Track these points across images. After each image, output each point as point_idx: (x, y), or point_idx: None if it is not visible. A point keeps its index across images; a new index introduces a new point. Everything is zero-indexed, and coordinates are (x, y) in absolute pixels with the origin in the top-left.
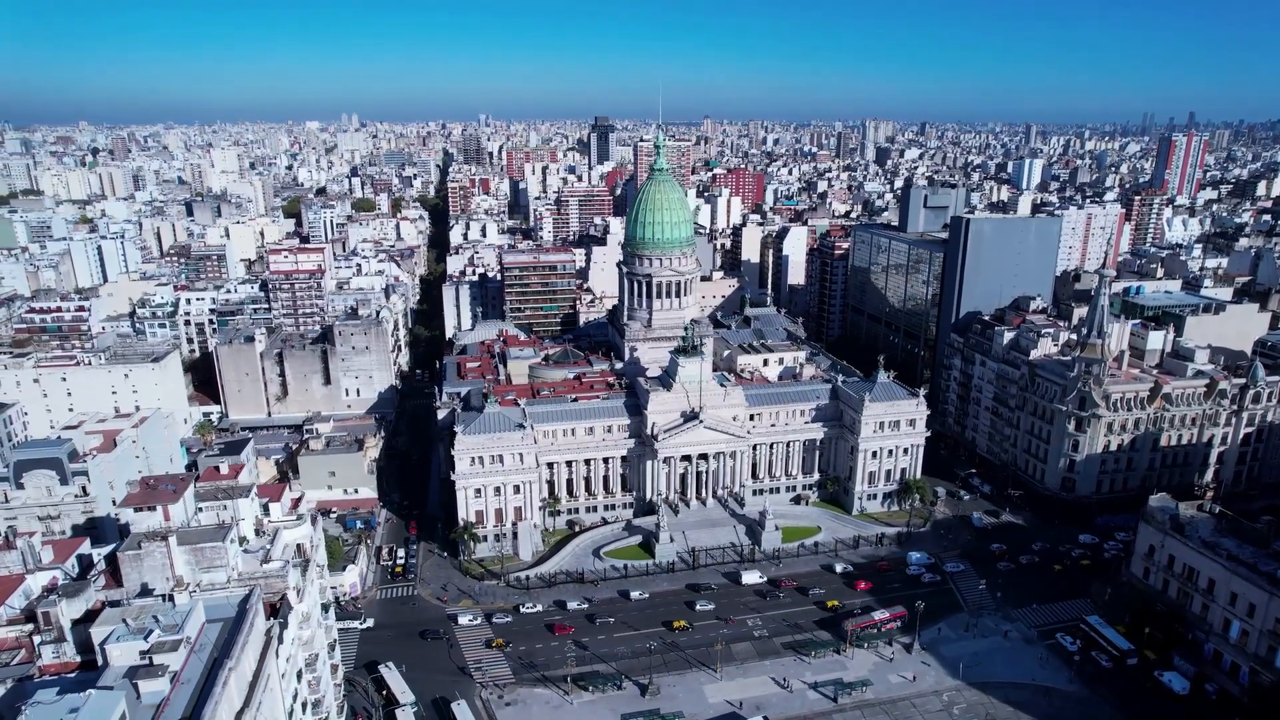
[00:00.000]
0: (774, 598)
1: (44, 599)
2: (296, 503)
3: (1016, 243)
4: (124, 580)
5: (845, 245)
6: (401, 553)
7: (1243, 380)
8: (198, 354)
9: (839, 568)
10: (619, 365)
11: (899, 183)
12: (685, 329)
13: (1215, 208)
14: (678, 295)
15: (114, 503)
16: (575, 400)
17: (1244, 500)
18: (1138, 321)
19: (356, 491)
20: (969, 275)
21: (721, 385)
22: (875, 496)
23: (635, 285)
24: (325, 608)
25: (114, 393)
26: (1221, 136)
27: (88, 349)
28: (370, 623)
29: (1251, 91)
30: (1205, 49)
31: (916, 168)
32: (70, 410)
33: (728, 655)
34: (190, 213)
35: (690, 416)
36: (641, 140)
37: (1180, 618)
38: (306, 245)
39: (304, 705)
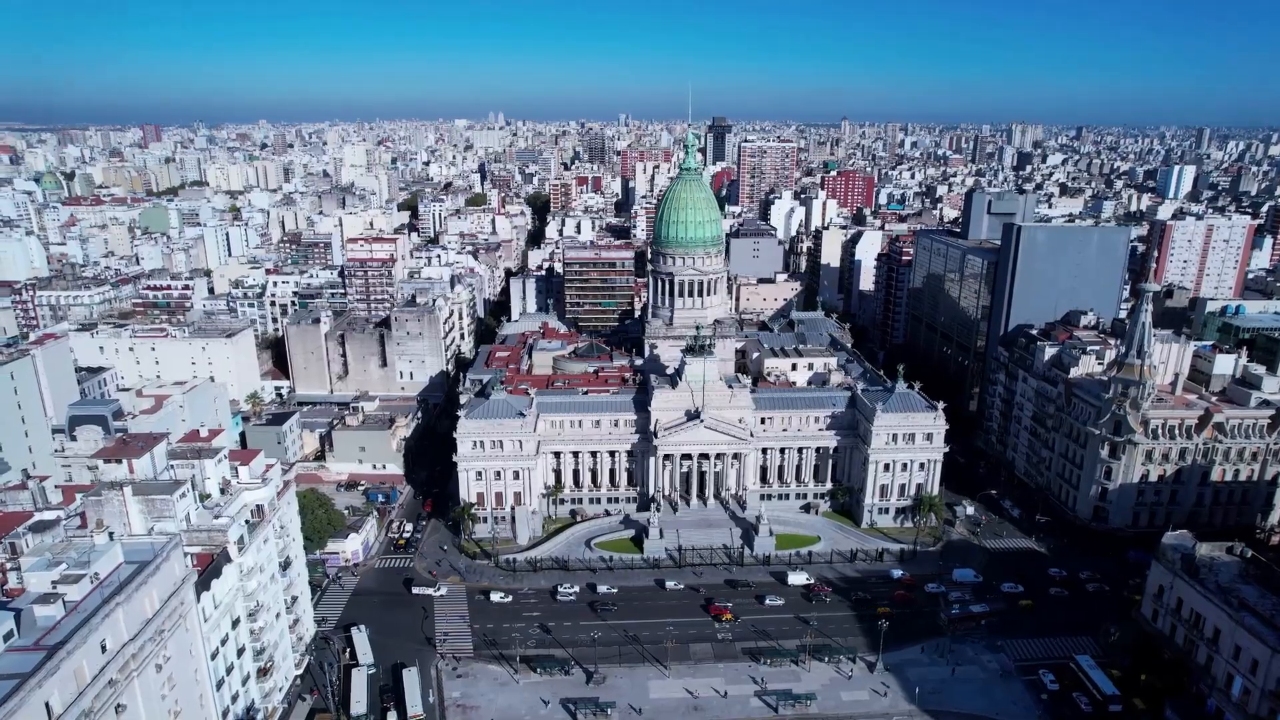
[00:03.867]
0: (819, 600)
1: (14, 531)
2: (268, 469)
3: (1075, 253)
4: (88, 523)
5: (912, 252)
6: (409, 527)
7: None
8: (280, 333)
9: (896, 574)
10: (639, 362)
11: (1030, 188)
12: (697, 328)
13: None
14: (701, 295)
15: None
16: (585, 393)
17: None
18: (1208, 343)
19: (384, 467)
20: (1020, 286)
21: (729, 387)
22: (887, 511)
23: (659, 284)
24: (284, 565)
25: (193, 364)
26: None
27: (178, 323)
28: (444, 590)
29: None
30: None
31: (1053, 174)
32: (157, 377)
33: (684, 654)
34: (321, 203)
35: (693, 415)
36: (745, 141)
37: (1185, 667)
38: (382, 235)
39: (240, 650)
